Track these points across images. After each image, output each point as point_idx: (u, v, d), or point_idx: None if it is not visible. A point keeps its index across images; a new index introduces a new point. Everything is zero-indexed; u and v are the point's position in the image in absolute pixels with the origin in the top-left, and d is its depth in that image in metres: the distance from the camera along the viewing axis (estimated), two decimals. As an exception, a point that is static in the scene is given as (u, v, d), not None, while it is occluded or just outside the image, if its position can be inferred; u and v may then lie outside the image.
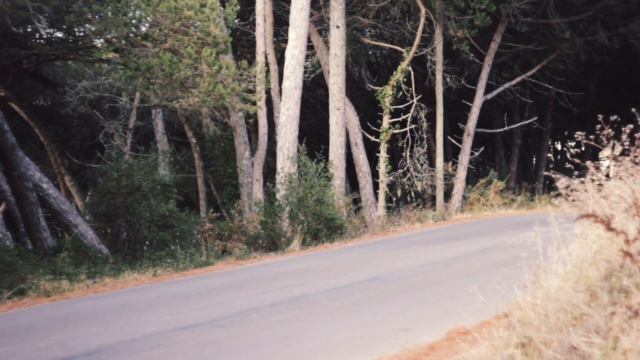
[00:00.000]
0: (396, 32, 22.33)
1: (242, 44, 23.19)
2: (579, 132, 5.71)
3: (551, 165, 37.70)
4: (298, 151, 15.94)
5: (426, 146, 21.38)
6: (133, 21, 12.04)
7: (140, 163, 15.56)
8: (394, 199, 31.78)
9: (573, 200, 4.86)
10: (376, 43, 22.09)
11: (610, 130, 5.00)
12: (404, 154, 20.93)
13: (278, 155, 15.98)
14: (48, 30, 13.02)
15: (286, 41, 17.74)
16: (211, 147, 21.49)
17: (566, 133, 37.94)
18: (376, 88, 20.88)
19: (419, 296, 7.94)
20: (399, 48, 21.08)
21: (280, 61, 19.41)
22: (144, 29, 13.07)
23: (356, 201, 21.11)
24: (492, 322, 5.46)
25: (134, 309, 8.13)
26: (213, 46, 12.75)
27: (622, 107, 27.32)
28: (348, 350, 5.79)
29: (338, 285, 8.86)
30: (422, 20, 19.77)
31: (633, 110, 6.09)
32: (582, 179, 4.92)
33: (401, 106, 20.41)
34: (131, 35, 12.51)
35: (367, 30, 22.58)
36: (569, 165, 35.98)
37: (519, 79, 23.12)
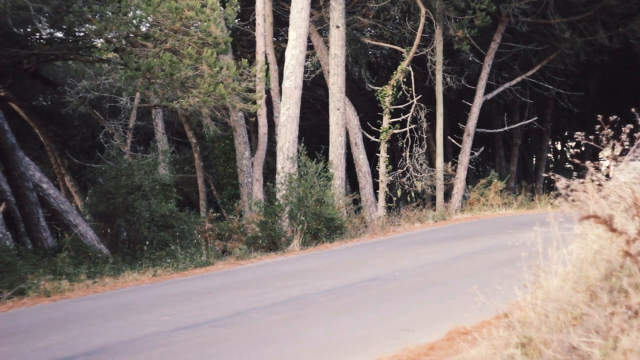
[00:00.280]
0: (396, 32, 22.33)
1: (242, 44, 23.19)
2: (578, 132, 5.72)
3: (551, 165, 37.73)
4: (298, 151, 15.94)
5: (426, 146, 21.38)
6: (134, 21, 12.04)
7: (140, 163, 15.57)
8: (394, 199, 31.78)
9: (573, 201, 4.86)
10: (376, 43, 22.09)
11: (610, 130, 5.00)
12: (404, 154, 20.93)
13: (278, 155, 15.98)
14: (48, 30, 13.02)
15: (286, 41, 17.75)
16: (211, 147, 21.49)
17: (566, 133, 37.95)
18: (376, 88, 20.88)
19: (419, 296, 7.94)
20: (399, 48, 21.08)
21: (280, 61, 19.41)
22: (144, 29, 13.07)
23: (356, 201, 21.11)
24: (492, 322, 5.46)
25: (134, 309, 8.13)
26: (213, 47, 12.75)
27: (622, 107, 27.31)
28: (348, 350, 5.79)
29: (338, 285, 8.86)
30: (422, 20, 19.77)
31: (633, 110, 6.09)
32: (581, 180, 4.92)
33: (401, 106, 20.41)
34: (131, 35, 12.51)
35: (367, 30, 22.58)
36: (569, 165, 35.98)
37: (519, 79, 23.12)
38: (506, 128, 24.33)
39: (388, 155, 20.40)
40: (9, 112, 20.67)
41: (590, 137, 5.22)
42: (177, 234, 14.73)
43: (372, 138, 20.53)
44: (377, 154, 20.93)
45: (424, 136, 21.11)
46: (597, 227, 4.57)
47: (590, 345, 3.98)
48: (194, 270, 11.61)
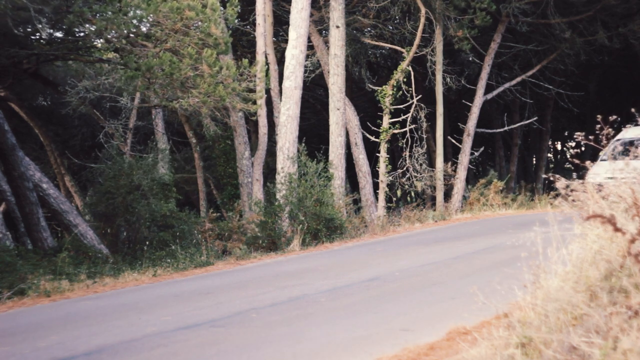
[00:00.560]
0: (396, 32, 22.33)
1: (242, 44, 23.19)
2: (578, 132, 5.72)
3: (551, 166, 37.72)
4: (298, 151, 15.94)
5: (426, 146, 21.38)
6: (134, 21, 12.04)
7: (140, 162, 15.57)
8: (394, 199, 31.77)
9: (573, 201, 4.86)
10: (376, 43, 22.09)
11: (610, 130, 5.01)
12: (404, 154, 20.93)
13: (278, 155, 15.98)
14: (48, 31, 13.02)
15: (286, 41, 17.75)
16: (211, 147, 21.49)
17: (566, 133, 37.94)
18: (376, 88, 20.87)
19: (419, 296, 7.94)
20: (399, 48, 21.08)
21: (281, 61, 19.41)
22: (144, 29, 13.07)
23: (356, 201, 21.11)
24: (492, 322, 5.46)
25: (134, 309, 8.13)
26: (214, 47, 12.75)
27: (622, 107, 27.32)
28: (348, 350, 5.79)
29: (338, 285, 8.86)
30: (422, 20, 19.77)
31: (633, 110, 6.10)
32: (581, 180, 4.92)
33: (401, 106, 20.41)
34: (132, 35, 12.51)
35: (367, 30, 22.58)
36: (569, 165, 35.97)
37: (519, 79, 23.12)
38: (506, 128, 24.33)
39: (388, 155, 20.40)
40: (9, 112, 20.67)
41: (590, 137, 5.23)
42: (177, 234, 14.73)
43: (372, 138, 20.53)
44: (377, 154, 20.93)
45: (424, 136, 21.11)
46: (597, 227, 4.57)
47: (590, 345, 3.98)
48: (194, 270, 11.60)
